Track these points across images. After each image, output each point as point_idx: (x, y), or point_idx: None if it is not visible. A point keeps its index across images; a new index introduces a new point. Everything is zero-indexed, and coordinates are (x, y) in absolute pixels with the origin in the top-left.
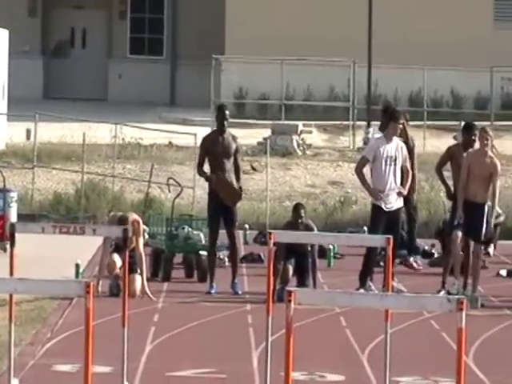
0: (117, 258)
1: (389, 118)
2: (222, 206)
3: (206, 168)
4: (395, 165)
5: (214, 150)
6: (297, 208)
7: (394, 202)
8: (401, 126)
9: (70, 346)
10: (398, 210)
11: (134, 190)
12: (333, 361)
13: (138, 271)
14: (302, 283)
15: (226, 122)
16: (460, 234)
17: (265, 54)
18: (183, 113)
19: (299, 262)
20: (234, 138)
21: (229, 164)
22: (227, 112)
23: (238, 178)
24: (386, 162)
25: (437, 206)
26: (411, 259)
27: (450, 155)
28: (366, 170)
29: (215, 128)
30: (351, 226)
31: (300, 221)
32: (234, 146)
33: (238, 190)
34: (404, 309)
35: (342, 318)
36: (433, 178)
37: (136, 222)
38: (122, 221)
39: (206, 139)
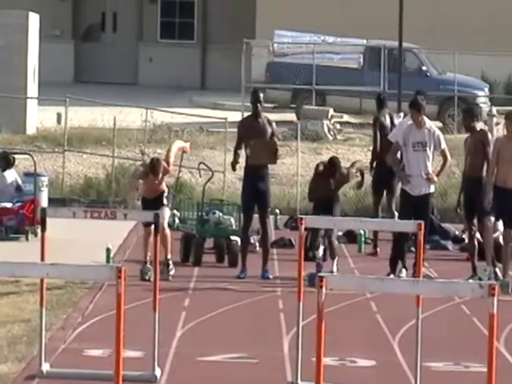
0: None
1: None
2: (256, 191)
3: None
4: (424, 151)
5: (250, 135)
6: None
7: (422, 188)
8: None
9: (101, 331)
10: (427, 195)
11: None
12: (364, 346)
13: (165, 202)
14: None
15: (260, 106)
16: (493, 220)
17: None
18: (214, 97)
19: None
20: (270, 122)
21: None
22: (261, 96)
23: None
24: (413, 147)
25: None
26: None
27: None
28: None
29: (249, 112)
30: (382, 211)
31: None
32: (269, 130)
33: (273, 142)
34: (436, 294)
35: (373, 303)
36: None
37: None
38: (153, 166)
39: (241, 124)
